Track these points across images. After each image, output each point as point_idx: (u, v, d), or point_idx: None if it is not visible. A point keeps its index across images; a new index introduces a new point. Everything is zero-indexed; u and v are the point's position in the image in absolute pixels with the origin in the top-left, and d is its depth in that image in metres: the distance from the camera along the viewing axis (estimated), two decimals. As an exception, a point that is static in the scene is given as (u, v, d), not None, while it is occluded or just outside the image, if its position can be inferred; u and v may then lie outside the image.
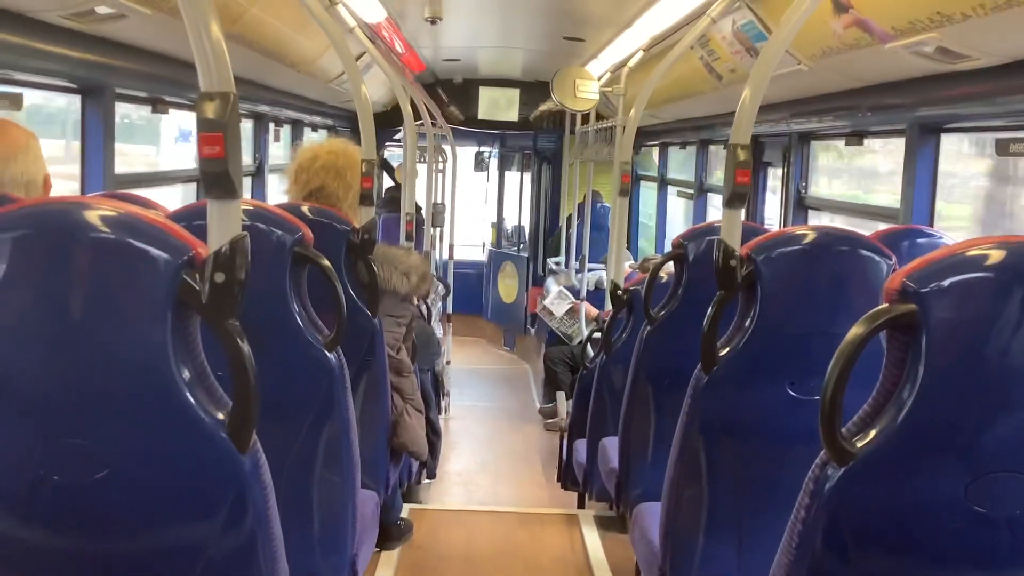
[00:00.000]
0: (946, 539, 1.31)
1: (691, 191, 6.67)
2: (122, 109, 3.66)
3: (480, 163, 11.00)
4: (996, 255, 1.28)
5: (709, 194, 6.45)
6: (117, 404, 1.36)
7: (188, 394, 1.35)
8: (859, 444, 1.31)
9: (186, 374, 1.35)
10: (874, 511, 1.32)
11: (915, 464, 1.30)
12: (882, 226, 3.33)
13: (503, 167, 11.20)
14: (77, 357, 1.34)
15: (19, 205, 1.42)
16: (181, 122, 4.75)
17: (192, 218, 1.79)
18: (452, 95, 9.79)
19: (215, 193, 1.38)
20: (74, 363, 1.35)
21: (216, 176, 1.36)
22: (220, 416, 1.38)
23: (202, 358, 1.39)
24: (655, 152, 8.09)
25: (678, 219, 7.64)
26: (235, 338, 1.35)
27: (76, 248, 1.34)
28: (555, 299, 7.12)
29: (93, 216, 1.36)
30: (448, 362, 7.87)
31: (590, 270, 7.14)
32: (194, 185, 4.52)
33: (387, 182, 9.17)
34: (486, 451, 6.87)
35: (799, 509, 1.37)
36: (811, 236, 2.07)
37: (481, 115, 9.89)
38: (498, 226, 11.22)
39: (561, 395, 6.77)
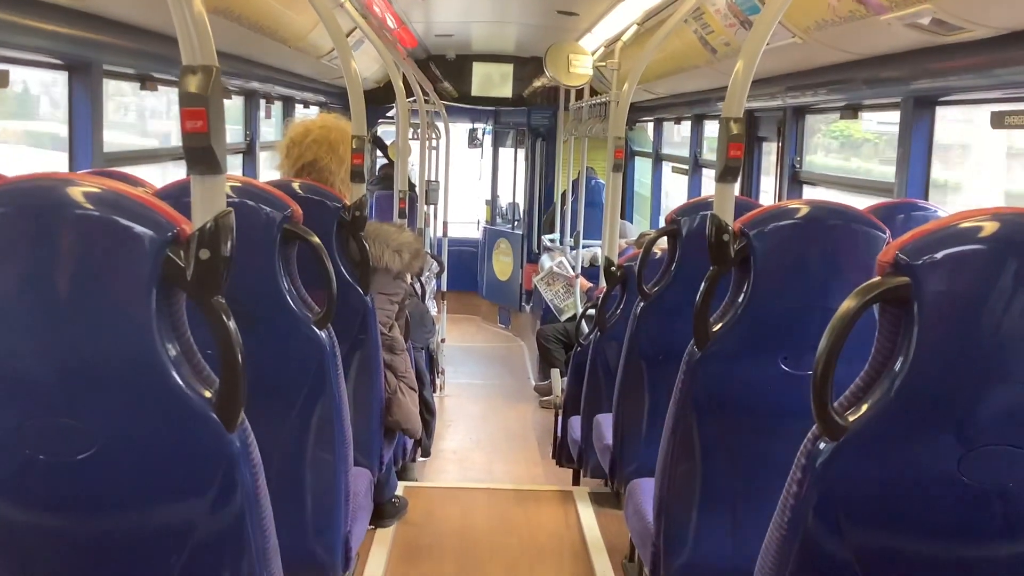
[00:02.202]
0: (938, 512, 1.31)
1: (686, 166, 6.65)
2: None
3: (474, 140, 10.94)
4: (989, 227, 1.27)
5: (704, 169, 6.43)
6: (103, 382, 1.35)
7: (174, 372, 1.34)
8: (851, 418, 1.30)
9: (172, 352, 1.34)
10: (866, 485, 1.32)
11: (907, 438, 1.29)
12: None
13: (497, 143, 11.15)
14: (62, 335, 1.33)
15: (1, 181, 1.40)
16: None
17: (180, 195, 1.77)
18: (445, 71, 9.73)
19: (199, 169, 1.36)
20: (59, 341, 1.33)
21: (199, 151, 1.34)
22: (207, 394, 1.36)
23: (188, 336, 1.38)
24: (650, 127, 8.06)
25: (674, 194, 7.62)
26: (221, 315, 1.34)
27: (60, 225, 1.33)
28: (557, 267, 7.11)
29: (77, 193, 1.34)
30: (443, 340, 7.86)
31: (585, 246, 7.13)
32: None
33: (380, 159, 9.14)
34: (481, 428, 6.87)
35: (791, 484, 1.37)
36: (804, 210, 2.05)
37: (474, 91, 9.84)
38: (492, 203, 11.19)
39: (556, 372, 6.77)
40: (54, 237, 1.33)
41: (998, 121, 2.81)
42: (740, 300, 2.04)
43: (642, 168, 8.83)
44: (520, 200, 10.89)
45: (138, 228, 1.32)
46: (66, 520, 1.41)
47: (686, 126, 6.77)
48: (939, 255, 1.26)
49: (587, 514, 3.81)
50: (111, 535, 1.42)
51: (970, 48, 2.75)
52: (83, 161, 3.28)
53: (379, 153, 9.17)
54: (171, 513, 1.42)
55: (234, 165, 5.47)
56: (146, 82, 3.78)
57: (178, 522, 1.41)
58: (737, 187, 2.12)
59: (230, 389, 1.36)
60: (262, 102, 5.79)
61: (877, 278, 1.30)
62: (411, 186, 6.99)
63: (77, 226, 1.33)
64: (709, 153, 6.34)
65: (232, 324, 1.34)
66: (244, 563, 1.44)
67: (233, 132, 5.47)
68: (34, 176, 1.45)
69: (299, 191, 2.47)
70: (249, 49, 4.65)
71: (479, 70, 9.78)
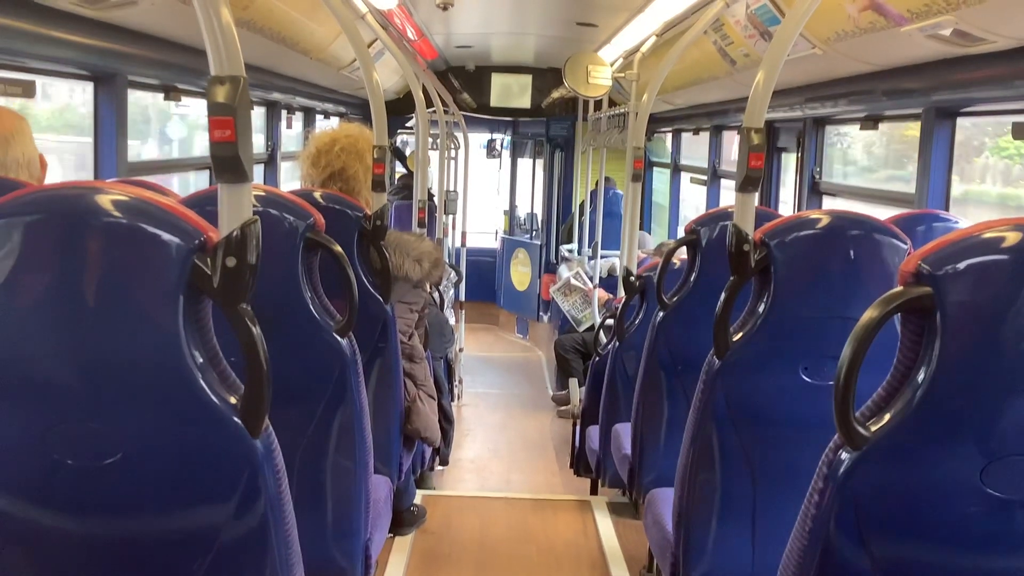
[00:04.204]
0: (961, 523, 1.30)
1: (704, 177, 6.65)
2: None
3: (492, 150, 10.98)
4: (1012, 237, 1.27)
5: (723, 180, 6.43)
6: (130, 388, 1.36)
7: (200, 378, 1.35)
8: (873, 428, 1.30)
9: (198, 358, 1.36)
10: (888, 495, 1.31)
11: (930, 448, 1.29)
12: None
13: (515, 154, 11.18)
14: (89, 341, 1.35)
15: (30, 189, 1.42)
16: None
17: (205, 203, 1.79)
18: (464, 82, 9.78)
19: (226, 177, 1.37)
20: (87, 347, 1.35)
21: (227, 160, 1.35)
22: (232, 400, 1.38)
23: (214, 342, 1.39)
24: (668, 138, 8.06)
25: (693, 205, 7.61)
26: (247, 322, 1.35)
27: (88, 233, 1.35)
28: (574, 278, 7.11)
29: (105, 201, 1.36)
30: (461, 349, 7.87)
31: (603, 257, 7.13)
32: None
33: (399, 169, 9.18)
34: (499, 438, 6.87)
35: (812, 494, 1.36)
36: (825, 220, 2.05)
37: (493, 102, 9.87)
38: (511, 213, 11.21)
39: (574, 382, 6.76)
40: (82, 244, 1.34)
41: (1020, 132, 2.80)
42: (760, 310, 2.04)
43: (660, 179, 8.83)
44: (538, 210, 10.91)
45: (165, 236, 1.34)
46: (91, 524, 1.42)
47: (703, 137, 6.77)
48: (962, 265, 1.26)
49: (605, 524, 3.80)
50: (135, 539, 1.44)
51: (991, 59, 2.74)
52: (108, 170, 3.31)
53: (397, 163, 9.22)
54: (195, 518, 1.43)
55: (256, 175, 5.50)
56: (169, 92, 3.82)
57: (202, 527, 1.42)
58: (756, 198, 2.13)
59: (255, 395, 1.38)
60: (283, 113, 5.84)
61: (899, 288, 1.30)
62: (430, 196, 7.01)
63: (105, 234, 1.35)
64: (727, 164, 6.34)
65: (258, 331, 1.36)
66: (267, 568, 1.45)
67: (254, 142, 5.51)
68: (63, 185, 1.47)
69: (321, 200, 2.49)
70: (272, 60, 4.69)
71: (498, 81, 9.82)
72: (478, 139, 10.60)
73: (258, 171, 5.61)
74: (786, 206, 5.07)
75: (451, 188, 7.99)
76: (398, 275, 2.82)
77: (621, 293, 3.97)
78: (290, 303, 2.07)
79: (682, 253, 2.98)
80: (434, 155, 7.57)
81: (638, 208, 4.24)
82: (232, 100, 1.33)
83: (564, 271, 7.70)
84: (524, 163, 11.24)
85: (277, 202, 2.08)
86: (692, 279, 2.83)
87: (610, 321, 4.14)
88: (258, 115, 5.57)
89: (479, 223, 10.66)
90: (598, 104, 7.45)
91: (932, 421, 1.28)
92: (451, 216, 7.92)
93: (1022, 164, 3.74)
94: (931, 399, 1.27)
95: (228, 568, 1.43)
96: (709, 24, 3.83)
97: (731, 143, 6.33)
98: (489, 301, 10.99)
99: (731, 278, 2.05)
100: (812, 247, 2.02)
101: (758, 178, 2.07)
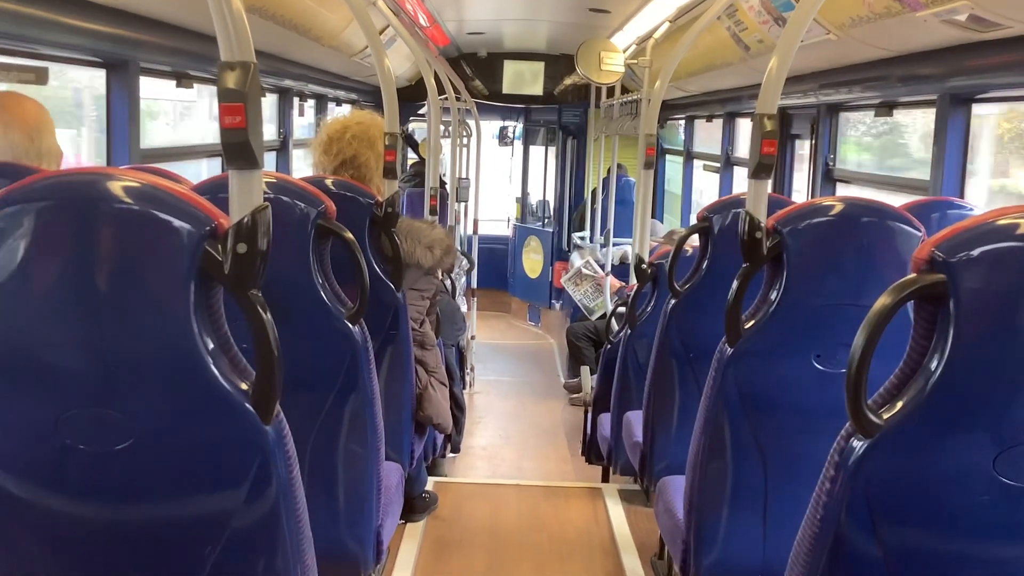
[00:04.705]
0: (973, 511, 1.30)
1: (717, 164, 6.62)
2: None
3: (505, 137, 10.95)
4: (1027, 224, 1.25)
5: (736, 167, 6.39)
6: (141, 374, 1.37)
7: (212, 364, 1.36)
8: (885, 416, 1.29)
9: (210, 344, 1.36)
10: (900, 483, 1.31)
11: (942, 436, 1.28)
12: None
13: (528, 141, 11.15)
14: (101, 327, 1.35)
15: (42, 176, 1.42)
16: None
17: (216, 190, 1.79)
18: (476, 69, 9.75)
19: (237, 164, 1.37)
20: (98, 333, 1.36)
21: (237, 146, 1.35)
22: (244, 386, 1.38)
23: (225, 329, 1.39)
24: (681, 125, 8.03)
25: (705, 193, 7.58)
26: (258, 308, 1.35)
27: (100, 219, 1.35)
28: (585, 267, 7.09)
29: (116, 187, 1.36)
30: (473, 337, 7.87)
31: (615, 244, 7.11)
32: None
33: (411, 157, 9.17)
34: (511, 425, 6.88)
35: (824, 481, 1.36)
36: (838, 207, 2.04)
37: (505, 89, 9.84)
38: (523, 201, 11.19)
39: (585, 369, 6.76)
40: (94, 231, 1.35)
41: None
42: (773, 297, 2.03)
43: (672, 167, 8.80)
44: (550, 198, 10.89)
45: (177, 222, 1.34)
46: (103, 509, 1.43)
47: (716, 124, 6.74)
48: (975, 252, 1.26)
49: (616, 511, 3.81)
50: (147, 525, 1.45)
51: (1007, 45, 2.72)
52: (120, 158, 3.32)
53: (410, 150, 9.22)
54: (206, 504, 1.44)
55: (268, 162, 5.50)
56: (182, 79, 3.82)
57: (213, 513, 1.43)
58: (769, 185, 2.11)
59: (266, 381, 1.38)
60: (295, 100, 5.83)
61: (912, 275, 1.29)
62: (442, 183, 7.00)
63: (117, 220, 1.36)
64: (740, 151, 6.31)
65: (268, 317, 1.36)
66: (278, 554, 1.46)
67: (267, 130, 5.51)
68: (75, 171, 1.48)
69: (332, 187, 2.49)
70: (283, 47, 4.69)
71: (510, 68, 9.79)
72: (490, 126, 10.58)
73: (270, 158, 5.61)
74: (799, 194, 5.04)
75: (463, 175, 7.98)
76: (409, 262, 2.82)
77: (633, 281, 3.96)
78: (301, 290, 2.08)
79: (694, 240, 2.97)
80: (446, 142, 7.55)
81: (650, 196, 4.22)
82: (242, 86, 1.33)
83: (576, 259, 7.68)
84: (536, 150, 11.21)
85: (289, 189, 2.08)
86: (704, 267, 2.83)
87: (622, 309, 4.13)
88: (270, 102, 5.56)
89: (491, 210, 10.65)
90: (610, 91, 7.42)
91: (945, 409, 1.27)
92: (463, 203, 7.90)
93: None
94: (944, 387, 1.26)
95: (240, 554, 1.44)
96: (722, 10, 3.80)
97: (744, 130, 6.30)
98: (501, 289, 10.98)
99: (743, 265, 2.04)
100: (825, 234, 2.01)
101: (771, 165, 2.06)
